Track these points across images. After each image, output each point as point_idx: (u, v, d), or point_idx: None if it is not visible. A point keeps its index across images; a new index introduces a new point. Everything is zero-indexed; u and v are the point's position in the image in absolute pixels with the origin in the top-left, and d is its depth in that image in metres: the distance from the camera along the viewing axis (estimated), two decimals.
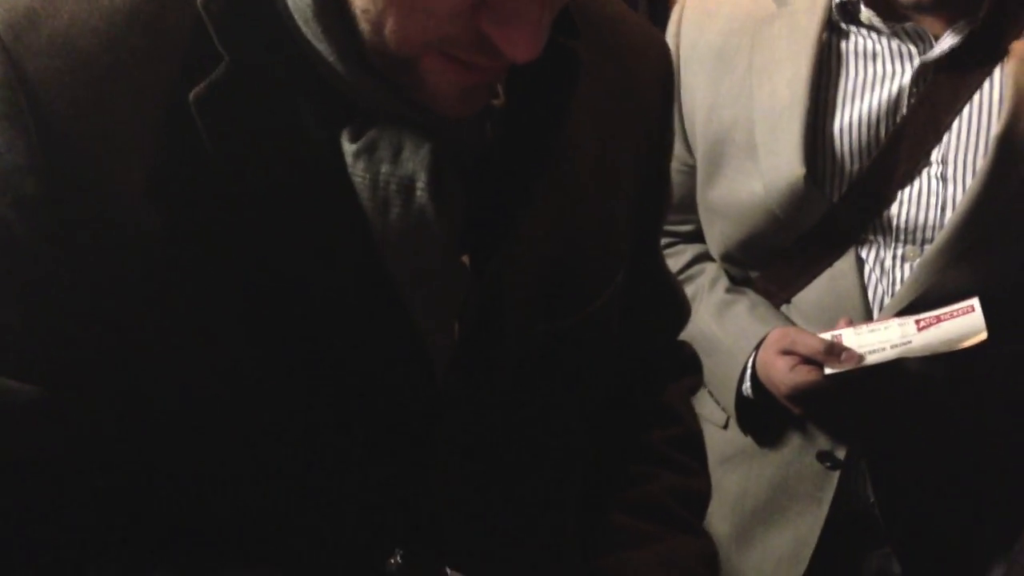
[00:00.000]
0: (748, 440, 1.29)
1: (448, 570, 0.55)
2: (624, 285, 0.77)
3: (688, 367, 0.94)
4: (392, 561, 0.52)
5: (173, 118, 0.58)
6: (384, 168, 0.60)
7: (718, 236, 1.27)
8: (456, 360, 0.66)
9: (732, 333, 1.23)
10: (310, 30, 0.58)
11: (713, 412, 1.30)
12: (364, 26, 0.57)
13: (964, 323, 1.12)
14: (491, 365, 0.68)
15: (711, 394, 1.30)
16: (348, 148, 0.60)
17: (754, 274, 1.27)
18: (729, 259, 1.28)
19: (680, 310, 0.94)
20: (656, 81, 0.80)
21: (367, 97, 0.60)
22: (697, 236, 1.33)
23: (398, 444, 0.66)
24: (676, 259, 1.33)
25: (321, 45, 0.58)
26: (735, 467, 1.30)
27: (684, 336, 0.95)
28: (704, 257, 1.33)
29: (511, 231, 0.67)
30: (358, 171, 0.60)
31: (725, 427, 1.30)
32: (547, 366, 0.71)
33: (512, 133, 0.66)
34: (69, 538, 0.63)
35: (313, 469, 0.64)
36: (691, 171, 1.27)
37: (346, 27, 0.58)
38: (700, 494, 0.88)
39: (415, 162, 0.60)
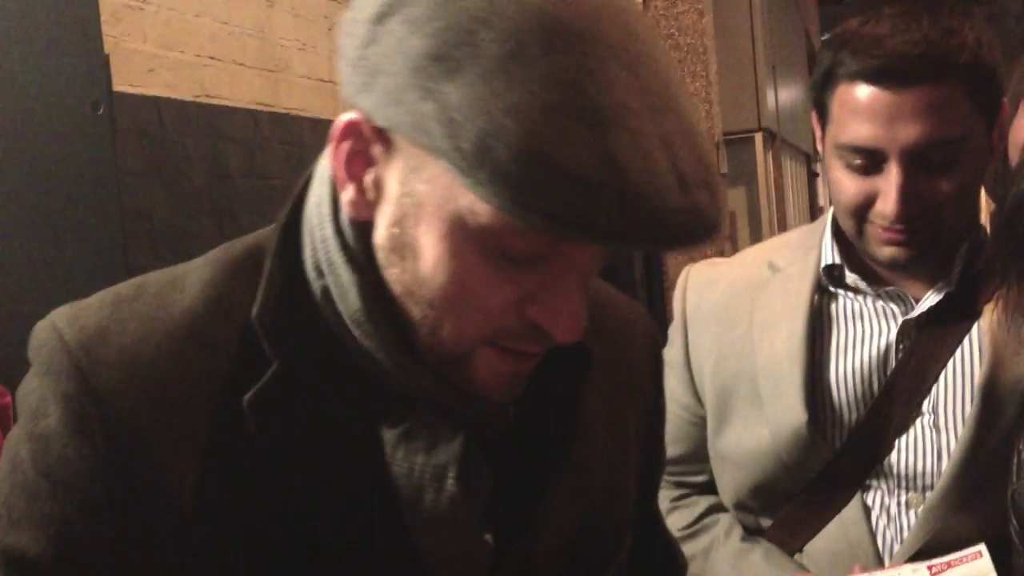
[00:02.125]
0: None
1: None
2: (631, 546, 0.83)
3: None
4: None
5: (224, 420, 0.65)
6: (420, 458, 0.66)
7: (729, 484, 1.32)
8: None
9: None
10: (361, 331, 0.66)
11: None
12: (422, 331, 0.65)
13: (974, 568, 1.15)
14: None
15: None
16: (388, 435, 0.67)
17: (766, 523, 1.31)
18: (741, 507, 1.33)
19: (677, 562, 0.99)
20: (646, 353, 0.89)
21: (413, 386, 0.67)
22: (709, 487, 1.38)
23: None
24: (690, 510, 1.37)
25: (369, 343, 0.66)
26: None
27: None
28: (717, 508, 1.37)
29: (534, 511, 0.72)
30: (396, 459, 0.67)
31: None
32: None
33: (531, 420, 0.72)
34: None
35: None
36: (701, 422, 1.35)
37: (396, 328, 0.65)
38: None
39: (448, 453, 0.66)
